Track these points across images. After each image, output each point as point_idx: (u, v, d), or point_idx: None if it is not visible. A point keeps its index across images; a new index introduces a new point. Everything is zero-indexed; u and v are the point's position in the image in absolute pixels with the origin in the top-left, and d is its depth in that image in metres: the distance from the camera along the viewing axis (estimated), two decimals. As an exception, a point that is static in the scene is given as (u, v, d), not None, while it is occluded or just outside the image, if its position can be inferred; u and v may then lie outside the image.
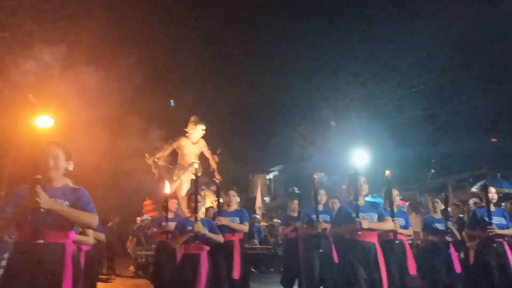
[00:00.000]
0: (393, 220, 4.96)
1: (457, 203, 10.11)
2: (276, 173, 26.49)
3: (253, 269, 12.21)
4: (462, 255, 7.37)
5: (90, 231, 4.78)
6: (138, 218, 13.92)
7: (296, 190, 8.29)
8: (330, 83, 19.09)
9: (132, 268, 12.72)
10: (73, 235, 3.09)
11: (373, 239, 4.52)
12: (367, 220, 4.42)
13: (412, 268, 5.68)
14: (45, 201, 2.79)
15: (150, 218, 13.36)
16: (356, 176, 4.58)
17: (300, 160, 20.34)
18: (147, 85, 18.00)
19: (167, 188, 6.92)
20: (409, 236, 6.12)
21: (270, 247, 13.39)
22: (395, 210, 5.50)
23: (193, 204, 5.13)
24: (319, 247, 6.20)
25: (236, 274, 5.64)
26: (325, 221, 6.29)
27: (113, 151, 16.95)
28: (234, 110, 19.92)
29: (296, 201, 7.61)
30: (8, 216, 2.90)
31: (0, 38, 14.88)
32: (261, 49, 19.31)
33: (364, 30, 17.43)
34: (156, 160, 15.01)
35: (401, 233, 5.49)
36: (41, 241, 2.82)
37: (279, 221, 15.26)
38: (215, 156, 15.31)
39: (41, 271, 2.81)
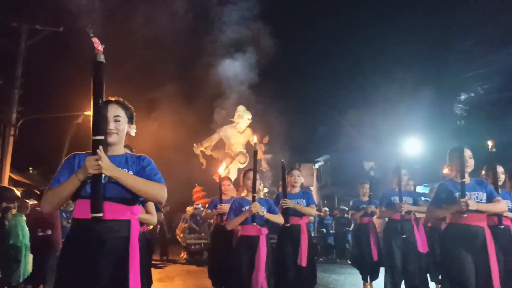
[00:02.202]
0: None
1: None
2: (321, 163, 26.21)
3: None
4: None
5: (154, 209, 4.37)
6: (189, 208, 14.15)
7: (372, 173, 7.75)
8: (380, 67, 18.61)
9: (183, 254, 13.00)
10: (139, 211, 2.57)
11: (482, 223, 3.87)
12: (474, 200, 3.83)
13: None
14: (107, 165, 2.28)
15: (202, 208, 13.57)
16: (460, 150, 3.94)
17: (348, 149, 19.97)
18: (199, 75, 18.25)
19: (221, 169, 6.84)
20: None
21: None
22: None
23: (249, 182, 4.65)
24: (402, 232, 5.52)
25: (303, 261, 5.10)
26: (408, 204, 5.58)
27: (162, 140, 17.36)
28: (281, 99, 19.82)
29: (367, 185, 7.32)
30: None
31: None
32: (310, 36, 19.06)
33: (418, 10, 16.79)
34: (203, 150, 15.25)
35: (506, 217, 4.56)
36: (100, 215, 2.29)
37: (327, 209, 15.13)
38: (262, 145, 15.33)
39: (103, 253, 2.31)
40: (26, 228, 7.39)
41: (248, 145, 15.33)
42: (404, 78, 17.44)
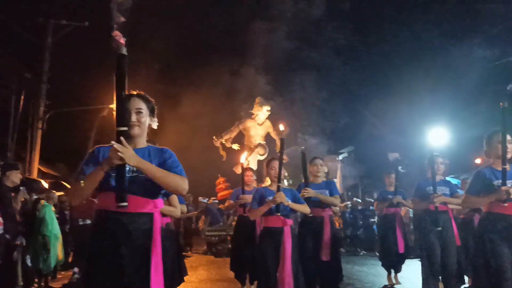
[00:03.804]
0: None
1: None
2: (345, 154, 25.94)
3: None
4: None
5: (177, 203, 4.42)
6: (200, 198, 14.39)
7: (401, 169, 7.47)
8: (404, 56, 18.28)
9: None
10: (161, 204, 2.61)
11: None
12: None
13: None
14: (130, 156, 2.32)
15: (206, 200, 13.89)
16: (503, 134, 3.70)
17: (372, 140, 19.73)
18: (211, 62, 18.32)
19: (243, 158, 6.80)
20: None
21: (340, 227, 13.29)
22: None
23: (272, 171, 4.50)
24: (437, 224, 5.19)
25: (325, 255, 4.90)
26: (444, 194, 5.26)
27: (187, 131, 17.50)
28: (304, 90, 19.70)
29: (393, 175, 7.20)
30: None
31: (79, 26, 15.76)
32: (333, 27, 18.87)
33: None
34: (223, 142, 15.29)
35: None
36: (125, 204, 2.33)
37: (349, 203, 15.02)
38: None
39: (126, 245, 2.37)
40: (55, 218, 7.61)
41: (267, 136, 15.34)
42: (429, 67, 17.12)
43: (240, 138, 15.57)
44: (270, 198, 4.30)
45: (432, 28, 17.47)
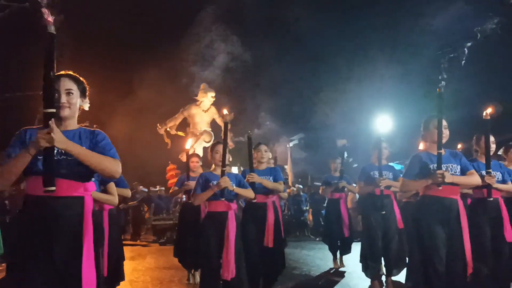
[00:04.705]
0: (487, 172, 4.13)
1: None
2: (296, 141, 26.31)
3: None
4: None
5: (114, 190, 4.32)
6: (140, 187, 14.25)
7: (346, 155, 7.64)
8: (352, 46, 18.65)
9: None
10: (93, 187, 2.54)
11: (455, 195, 3.76)
12: (449, 173, 3.68)
13: (509, 235, 4.35)
14: (59, 138, 2.21)
15: (146, 189, 13.74)
16: (438, 119, 3.75)
17: (322, 128, 20.12)
18: (161, 50, 18.01)
19: (188, 144, 6.67)
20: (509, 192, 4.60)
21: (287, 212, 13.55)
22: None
23: (217, 155, 4.42)
24: (381, 208, 5.27)
25: (269, 241, 4.89)
26: (388, 179, 5.34)
27: (139, 120, 17.13)
28: (251, 76, 19.71)
29: (338, 160, 7.32)
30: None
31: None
32: (283, 15, 18.95)
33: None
34: (168, 129, 15.12)
35: (496, 189, 4.33)
36: (53, 189, 2.23)
37: (301, 186, 15.26)
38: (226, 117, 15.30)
39: (56, 230, 2.29)
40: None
41: (212, 123, 15.30)
42: (376, 57, 17.58)
43: (186, 125, 15.46)
44: (215, 182, 4.23)
45: (379, 19, 17.93)
